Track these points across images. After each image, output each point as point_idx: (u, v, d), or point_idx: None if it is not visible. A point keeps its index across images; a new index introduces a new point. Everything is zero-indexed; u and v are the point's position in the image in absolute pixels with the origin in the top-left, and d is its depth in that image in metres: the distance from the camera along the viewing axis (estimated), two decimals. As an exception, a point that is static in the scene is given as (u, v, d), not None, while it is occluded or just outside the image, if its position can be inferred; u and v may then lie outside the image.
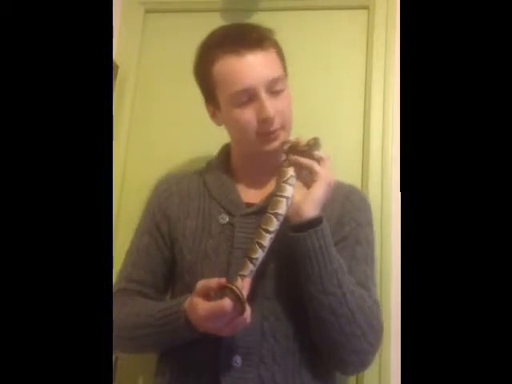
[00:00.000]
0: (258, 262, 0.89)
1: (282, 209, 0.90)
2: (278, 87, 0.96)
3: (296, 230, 0.90)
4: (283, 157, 0.96)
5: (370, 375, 1.22)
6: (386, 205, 1.31)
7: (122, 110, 1.49)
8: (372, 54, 1.42)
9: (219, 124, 1.06)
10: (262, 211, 0.96)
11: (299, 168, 0.93)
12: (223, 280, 0.84)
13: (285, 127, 0.98)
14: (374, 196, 1.29)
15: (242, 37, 0.95)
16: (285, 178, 0.92)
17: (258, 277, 0.91)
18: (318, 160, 0.92)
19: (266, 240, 0.89)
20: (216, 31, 1.00)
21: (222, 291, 0.83)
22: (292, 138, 0.99)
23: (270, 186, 1.02)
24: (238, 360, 0.91)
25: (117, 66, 1.48)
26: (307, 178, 0.93)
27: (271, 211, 0.90)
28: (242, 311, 0.82)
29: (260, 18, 1.45)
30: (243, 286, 0.85)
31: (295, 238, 0.89)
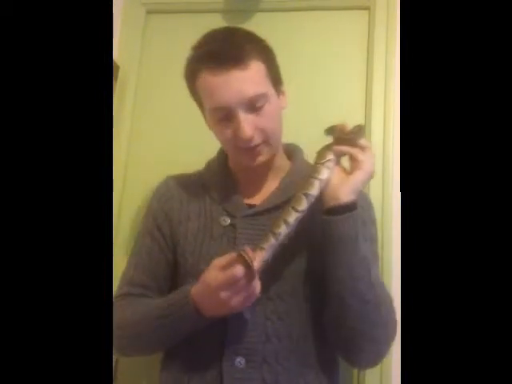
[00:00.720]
0: (280, 238, 0.87)
1: (313, 190, 0.88)
2: (260, 103, 0.92)
3: (331, 214, 0.88)
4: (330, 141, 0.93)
5: (371, 376, 1.22)
6: (387, 204, 1.31)
7: (123, 111, 1.49)
8: (373, 54, 1.42)
9: (211, 129, 1.05)
10: (263, 212, 0.97)
11: (342, 155, 0.92)
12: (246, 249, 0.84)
13: (268, 141, 0.95)
14: (375, 195, 1.29)
15: (220, 53, 0.90)
16: (322, 161, 0.90)
17: (261, 277, 0.91)
18: (363, 148, 0.91)
19: (293, 217, 0.87)
20: (201, 41, 0.97)
21: (233, 260, 0.83)
22: (339, 123, 0.95)
23: (271, 187, 1.02)
24: (241, 361, 0.91)
25: (118, 67, 1.48)
26: (349, 165, 0.91)
27: (303, 191, 0.88)
28: (252, 277, 0.82)
29: (261, 19, 1.46)
30: (255, 256, 0.83)
31: (328, 221, 0.88)
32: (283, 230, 0.87)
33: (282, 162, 1.07)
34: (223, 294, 0.83)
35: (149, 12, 1.57)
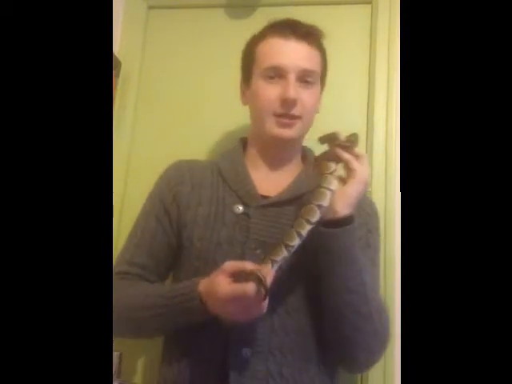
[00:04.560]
0: (292, 250, 0.87)
1: (326, 201, 0.88)
2: (310, 79, 1.00)
3: (328, 226, 0.89)
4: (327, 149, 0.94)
5: (374, 374, 1.23)
6: (390, 205, 1.30)
7: (126, 107, 1.49)
8: (375, 49, 1.41)
9: (245, 103, 1.09)
10: (278, 204, 0.99)
11: (339, 162, 0.92)
12: (259, 267, 0.83)
13: (303, 119, 1.00)
14: (377, 196, 1.29)
15: (293, 26, 1.02)
16: (330, 171, 0.91)
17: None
18: (357, 157, 0.91)
19: (306, 230, 0.87)
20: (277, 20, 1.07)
21: (246, 275, 0.81)
22: (333, 131, 0.96)
23: (283, 181, 1.03)
24: (247, 352, 0.92)
25: (120, 63, 1.48)
26: (345, 174, 0.92)
27: (315, 202, 0.89)
28: (264, 298, 0.81)
29: (263, 14, 1.46)
30: (268, 274, 0.83)
31: (326, 234, 0.89)
32: (296, 243, 0.87)
33: (297, 161, 1.09)
34: (229, 307, 0.83)
35: (150, 7, 1.57)
